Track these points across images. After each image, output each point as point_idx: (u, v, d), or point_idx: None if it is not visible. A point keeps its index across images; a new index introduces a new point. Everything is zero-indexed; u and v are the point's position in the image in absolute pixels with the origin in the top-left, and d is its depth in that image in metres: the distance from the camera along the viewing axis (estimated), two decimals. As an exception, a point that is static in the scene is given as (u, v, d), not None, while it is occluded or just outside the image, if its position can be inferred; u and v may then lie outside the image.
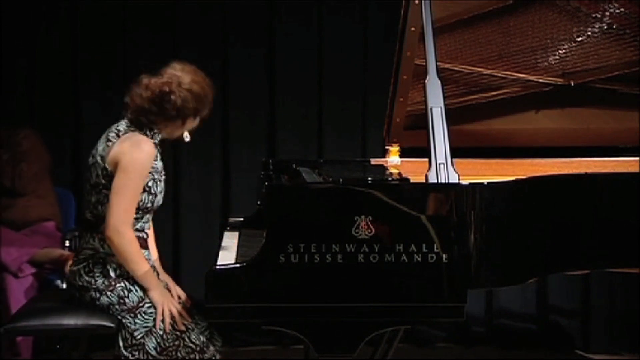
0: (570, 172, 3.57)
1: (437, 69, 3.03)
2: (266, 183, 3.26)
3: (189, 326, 3.14)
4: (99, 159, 3.14)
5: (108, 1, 4.85)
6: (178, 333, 3.11)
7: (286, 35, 4.95)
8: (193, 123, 3.24)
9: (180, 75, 3.16)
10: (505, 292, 4.93)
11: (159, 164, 3.21)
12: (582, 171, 3.48)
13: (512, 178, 3.09)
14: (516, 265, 2.99)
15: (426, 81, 3.02)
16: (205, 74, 3.22)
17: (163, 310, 3.08)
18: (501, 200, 2.94)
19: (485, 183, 2.92)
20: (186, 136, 3.27)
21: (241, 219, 3.76)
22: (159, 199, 3.20)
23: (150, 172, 3.14)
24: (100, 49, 4.86)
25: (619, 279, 4.91)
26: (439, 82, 3.01)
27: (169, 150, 4.89)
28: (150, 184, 3.14)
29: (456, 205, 2.86)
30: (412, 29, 3.37)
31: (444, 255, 2.83)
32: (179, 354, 3.11)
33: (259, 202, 3.73)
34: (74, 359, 3.47)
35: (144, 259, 3.13)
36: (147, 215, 3.21)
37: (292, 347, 4.86)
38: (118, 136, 3.15)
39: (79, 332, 3.11)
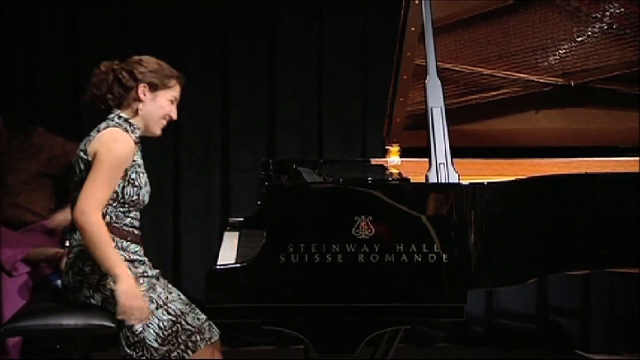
0: (570, 172, 3.57)
1: (437, 69, 3.03)
2: (266, 183, 3.26)
3: (184, 311, 3.15)
4: (81, 153, 3.19)
5: (108, 1, 4.86)
6: (174, 319, 3.12)
7: (286, 35, 4.95)
8: (166, 94, 3.25)
9: (127, 59, 3.29)
10: (505, 292, 4.93)
11: (140, 160, 3.25)
12: (582, 171, 3.48)
13: (512, 178, 3.09)
14: (516, 265, 2.99)
15: (426, 81, 3.02)
16: None
17: (123, 306, 3.03)
18: (501, 200, 2.94)
19: (485, 183, 2.92)
20: (171, 110, 3.28)
21: (241, 219, 3.76)
22: (144, 193, 3.22)
23: (131, 166, 3.17)
24: (100, 49, 4.85)
25: (619, 279, 4.91)
26: (439, 82, 3.01)
27: (168, 150, 4.93)
28: (133, 176, 3.18)
29: (456, 205, 2.86)
30: (412, 29, 3.38)
31: (444, 256, 2.83)
32: (179, 339, 3.12)
33: (259, 202, 3.73)
34: (74, 359, 3.47)
35: (111, 247, 3.08)
36: (135, 212, 3.23)
37: (292, 347, 4.87)
38: (98, 131, 3.21)
39: (79, 332, 3.11)
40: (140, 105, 3.23)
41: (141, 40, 4.83)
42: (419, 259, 2.82)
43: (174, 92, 3.28)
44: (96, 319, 3.11)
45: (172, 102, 3.28)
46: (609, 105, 3.80)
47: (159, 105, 3.25)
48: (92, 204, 3.07)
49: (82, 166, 3.17)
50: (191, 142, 4.96)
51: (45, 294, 3.71)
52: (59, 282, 3.98)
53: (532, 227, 3.01)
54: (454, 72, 3.73)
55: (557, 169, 3.68)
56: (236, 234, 3.60)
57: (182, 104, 4.91)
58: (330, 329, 2.85)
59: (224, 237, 3.59)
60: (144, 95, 3.23)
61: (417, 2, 3.24)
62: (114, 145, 3.13)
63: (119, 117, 3.23)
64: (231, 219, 3.84)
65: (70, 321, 3.12)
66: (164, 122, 3.30)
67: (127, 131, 3.20)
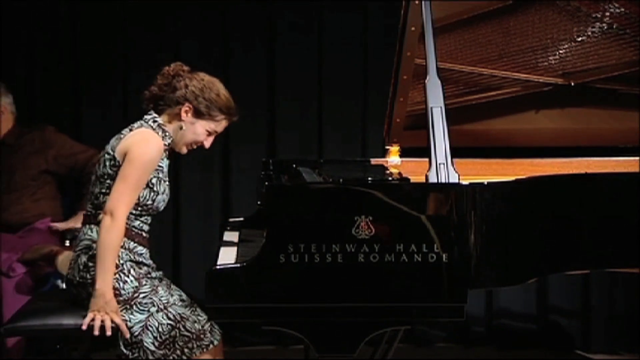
0: (570, 172, 3.57)
1: (437, 69, 3.03)
2: (266, 183, 3.26)
3: (184, 315, 3.15)
4: (109, 149, 3.19)
5: (108, 1, 4.86)
6: (173, 324, 3.12)
7: (286, 35, 4.95)
8: (206, 125, 3.23)
9: (197, 73, 3.25)
10: (505, 292, 4.93)
11: (165, 167, 3.24)
12: (582, 171, 3.48)
13: (512, 178, 3.09)
14: (516, 265, 2.99)
15: (426, 81, 3.02)
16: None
17: (95, 317, 3.04)
18: (501, 200, 2.94)
19: (485, 183, 2.92)
20: (205, 139, 3.27)
21: (241, 219, 3.76)
22: (160, 200, 3.20)
23: (155, 170, 3.16)
24: (101, 49, 4.86)
25: (619, 279, 4.91)
26: (439, 82, 3.01)
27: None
28: (154, 181, 3.17)
29: (456, 205, 2.86)
30: (412, 29, 3.38)
31: (444, 255, 2.83)
32: (176, 345, 3.12)
33: (259, 202, 3.73)
34: (74, 359, 3.47)
35: (114, 259, 3.09)
36: (147, 216, 3.22)
37: (292, 347, 4.87)
38: (131, 130, 3.21)
39: (79, 332, 3.11)
40: (178, 122, 3.23)
41: (141, 40, 4.84)
42: (419, 259, 2.82)
43: (217, 126, 3.25)
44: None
45: (209, 133, 3.26)
46: (609, 105, 3.80)
47: (195, 131, 3.23)
48: (122, 206, 3.08)
49: (107, 162, 3.17)
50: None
51: (45, 294, 3.71)
52: (59, 281, 3.99)
53: (532, 227, 3.01)
54: (454, 72, 3.73)
55: (557, 169, 3.68)
56: (236, 234, 3.60)
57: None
58: (330, 329, 2.85)
59: (224, 237, 3.59)
60: (186, 115, 3.21)
61: (417, 2, 3.24)
62: (145, 147, 3.12)
63: (154, 121, 3.22)
64: (231, 219, 3.84)
65: (70, 321, 3.12)
66: (192, 147, 3.30)
67: (158, 135, 3.20)
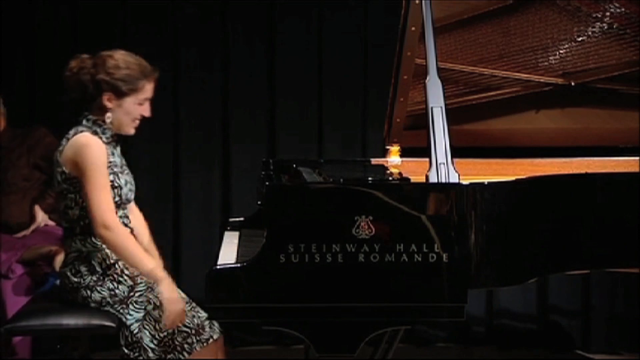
0: (570, 172, 3.57)
1: (437, 69, 3.03)
2: (266, 183, 3.26)
3: None
4: (55, 164, 3.17)
5: (108, 1, 4.86)
6: None
7: (286, 35, 4.95)
8: (134, 100, 3.18)
9: (99, 56, 3.23)
10: (505, 292, 4.93)
11: (117, 159, 3.21)
12: (582, 171, 3.48)
13: (512, 178, 3.09)
14: (516, 265, 2.99)
15: (426, 81, 3.02)
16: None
17: (170, 313, 3.07)
18: (501, 200, 2.94)
19: (486, 183, 2.92)
20: (142, 111, 3.21)
21: (241, 219, 3.76)
22: (126, 192, 3.21)
23: (108, 167, 3.13)
24: (100, 49, 4.85)
25: (619, 279, 4.91)
26: (440, 82, 3.01)
27: (169, 150, 4.93)
28: (111, 178, 3.15)
29: (456, 205, 2.85)
30: (412, 29, 3.38)
31: (444, 255, 2.83)
32: (175, 341, 3.12)
33: (259, 202, 3.73)
34: (74, 359, 3.47)
35: (142, 252, 3.12)
36: (122, 211, 3.22)
37: (292, 347, 4.87)
38: (68, 140, 3.17)
39: (79, 332, 3.11)
40: (107, 113, 3.18)
41: (141, 40, 4.83)
42: (419, 259, 2.82)
43: (143, 94, 3.19)
44: (96, 319, 3.11)
45: (141, 104, 3.21)
46: (609, 105, 3.81)
47: (127, 111, 3.19)
48: (107, 212, 3.07)
49: (59, 177, 3.16)
50: (191, 142, 4.95)
51: (45, 294, 3.71)
52: (58, 281, 3.99)
53: (532, 227, 3.01)
54: (454, 72, 3.73)
55: (557, 169, 3.68)
56: (236, 234, 3.60)
57: (182, 104, 4.95)
58: (330, 329, 2.85)
59: (224, 237, 3.59)
60: (110, 102, 3.17)
61: (417, 2, 3.24)
62: (89, 152, 3.08)
63: (87, 120, 3.19)
64: (231, 219, 3.84)
65: (70, 321, 3.12)
66: (136, 123, 3.24)
67: (96, 133, 3.16)
